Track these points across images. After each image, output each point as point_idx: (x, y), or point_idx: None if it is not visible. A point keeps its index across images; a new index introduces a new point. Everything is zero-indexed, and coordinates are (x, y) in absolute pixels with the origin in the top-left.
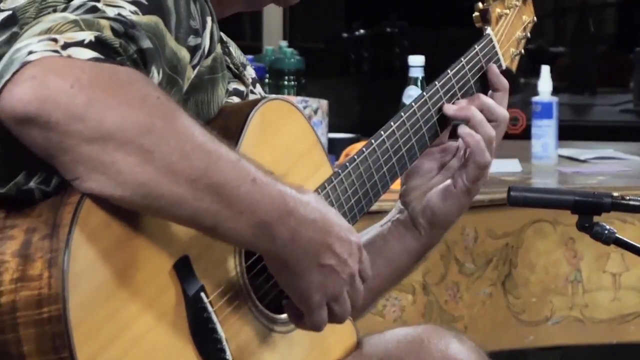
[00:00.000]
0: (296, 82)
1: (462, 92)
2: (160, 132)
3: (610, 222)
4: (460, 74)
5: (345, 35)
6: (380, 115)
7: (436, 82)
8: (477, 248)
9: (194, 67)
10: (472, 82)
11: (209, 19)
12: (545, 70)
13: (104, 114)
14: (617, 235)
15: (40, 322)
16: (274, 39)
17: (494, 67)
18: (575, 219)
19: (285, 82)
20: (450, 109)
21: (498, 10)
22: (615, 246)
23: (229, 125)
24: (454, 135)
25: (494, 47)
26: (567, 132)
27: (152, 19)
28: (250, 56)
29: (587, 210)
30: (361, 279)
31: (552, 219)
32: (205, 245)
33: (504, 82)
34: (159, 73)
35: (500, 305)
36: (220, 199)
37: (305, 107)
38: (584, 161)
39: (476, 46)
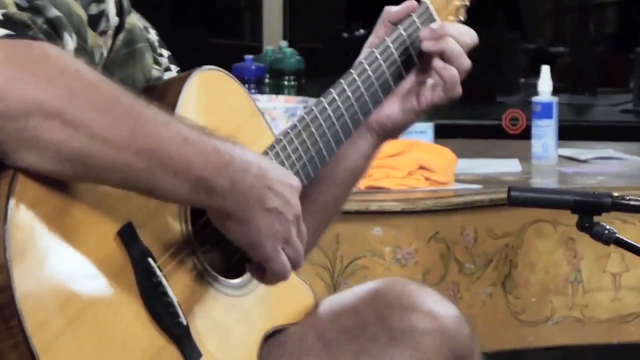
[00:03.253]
0: (296, 82)
1: (402, 58)
2: (82, 102)
3: (610, 222)
4: (400, 41)
5: (345, 35)
6: None
7: (374, 50)
8: (477, 248)
9: (100, 34)
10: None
11: None
12: (545, 70)
13: (23, 91)
14: (617, 235)
15: None
16: (274, 39)
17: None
18: (575, 219)
19: (285, 82)
20: (428, 42)
21: None
22: (615, 246)
23: (163, 99)
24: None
25: (432, 15)
26: (567, 132)
27: None
28: (250, 56)
29: (587, 210)
30: None
31: (552, 219)
32: (149, 211)
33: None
34: (72, 39)
35: (500, 305)
36: (153, 161)
37: (305, 107)
38: (584, 161)
39: (413, 15)
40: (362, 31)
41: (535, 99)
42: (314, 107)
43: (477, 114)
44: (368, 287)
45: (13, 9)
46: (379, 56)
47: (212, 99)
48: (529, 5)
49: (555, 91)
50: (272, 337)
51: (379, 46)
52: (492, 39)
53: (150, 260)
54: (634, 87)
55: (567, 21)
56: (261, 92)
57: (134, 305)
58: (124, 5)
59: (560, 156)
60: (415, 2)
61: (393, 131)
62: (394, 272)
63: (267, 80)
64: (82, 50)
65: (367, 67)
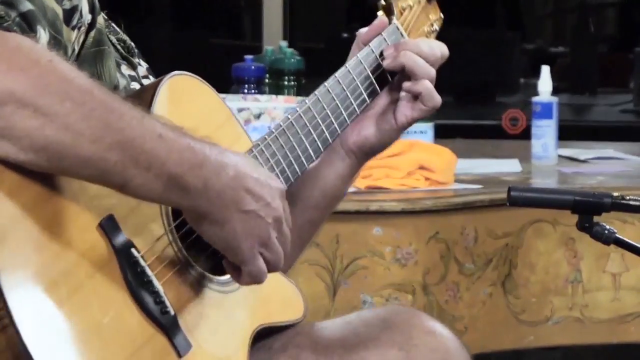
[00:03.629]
0: (296, 82)
1: (376, 74)
2: (55, 93)
3: (610, 222)
4: (371, 58)
5: (345, 35)
6: None
7: (346, 65)
8: (477, 248)
9: (73, 29)
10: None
11: None
12: (545, 70)
13: None
14: (617, 235)
15: None
16: (274, 39)
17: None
18: (575, 219)
19: (285, 82)
20: (387, 60)
21: (401, 4)
22: (615, 246)
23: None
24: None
25: (401, 34)
26: (567, 132)
27: None
28: (250, 56)
29: (587, 210)
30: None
31: (552, 219)
32: (131, 206)
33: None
34: (45, 32)
35: (500, 305)
36: (125, 156)
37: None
38: (584, 161)
39: (383, 33)
40: None
41: (535, 99)
42: (289, 116)
43: (477, 114)
44: (365, 313)
45: None
46: (351, 71)
47: (185, 104)
48: (529, 5)
49: (555, 91)
50: (260, 340)
51: (351, 63)
52: (492, 39)
53: (133, 250)
54: (634, 87)
55: (567, 21)
56: (261, 92)
57: (120, 294)
58: (95, 4)
59: (560, 156)
60: (386, 20)
61: (371, 152)
62: (394, 272)
63: (267, 80)
64: (58, 43)
65: (339, 80)
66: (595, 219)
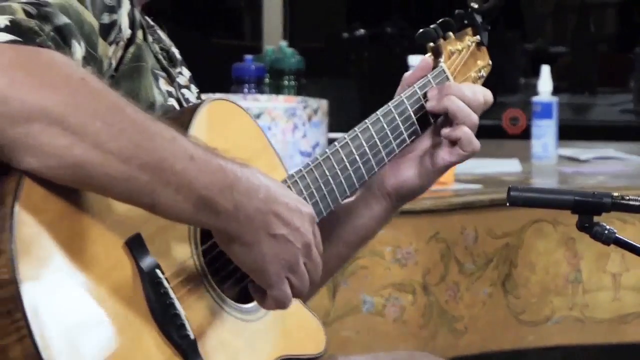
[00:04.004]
0: (296, 82)
1: (417, 116)
2: (86, 111)
3: (610, 222)
4: (414, 99)
5: (345, 35)
6: None
7: (389, 104)
8: (477, 248)
9: (110, 44)
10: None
11: (126, 1)
12: (545, 70)
13: (27, 96)
14: (617, 235)
15: None
16: (274, 39)
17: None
18: (575, 219)
19: (285, 82)
20: (431, 102)
21: (450, 47)
22: (615, 246)
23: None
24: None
25: (447, 77)
26: (567, 132)
27: None
28: (250, 56)
29: (587, 210)
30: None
31: (552, 219)
32: (159, 225)
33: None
34: (81, 47)
35: (500, 305)
36: (155, 177)
37: (305, 107)
38: (584, 161)
39: (429, 75)
40: (362, 31)
41: (535, 99)
42: (327, 150)
43: None
44: (382, 356)
45: (21, 16)
46: (393, 109)
47: (223, 130)
48: (529, 5)
49: (555, 91)
50: None
51: (394, 101)
52: (492, 39)
53: (158, 271)
54: (634, 87)
55: (567, 21)
56: (261, 92)
57: (141, 314)
58: (136, 19)
59: (560, 156)
60: (431, 62)
61: (408, 195)
62: (394, 272)
63: (267, 80)
64: (92, 58)
65: (381, 118)
66: (595, 219)
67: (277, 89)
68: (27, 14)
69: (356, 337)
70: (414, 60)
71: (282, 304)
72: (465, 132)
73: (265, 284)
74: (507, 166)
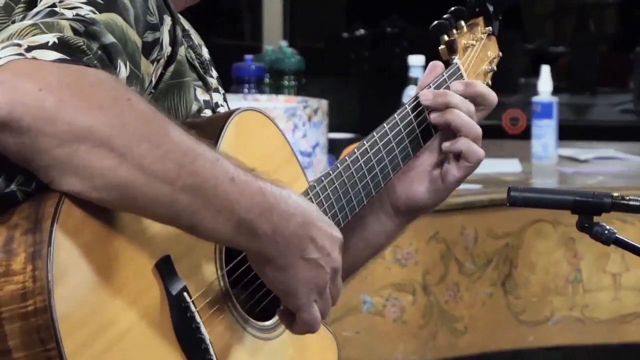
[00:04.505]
0: (296, 82)
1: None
2: (132, 134)
3: (610, 222)
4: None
5: (345, 35)
6: (380, 115)
7: (406, 105)
8: (477, 248)
9: (152, 62)
10: None
11: (167, 18)
12: (545, 70)
13: (74, 116)
14: (617, 235)
15: (25, 315)
16: (274, 39)
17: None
18: (575, 219)
19: (285, 82)
20: (434, 114)
21: (464, 41)
22: (615, 246)
23: (203, 136)
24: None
25: (462, 75)
26: (567, 132)
27: (110, 17)
28: (250, 56)
29: (587, 210)
30: None
31: (552, 219)
32: (187, 246)
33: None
34: (126, 67)
35: (500, 305)
36: (197, 199)
37: (305, 107)
38: (584, 161)
39: (444, 74)
40: (362, 31)
41: (535, 99)
42: (338, 164)
43: None
44: None
45: (69, 33)
46: (398, 121)
47: (251, 141)
48: (529, 5)
49: (555, 91)
50: None
51: (399, 111)
52: None
53: (185, 295)
54: (634, 87)
55: (567, 21)
56: (261, 92)
57: (167, 338)
58: (177, 36)
59: (560, 156)
60: (438, 65)
61: (419, 212)
62: (394, 272)
63: (267, 80)
64: (135, 77)
65: (387, 130)
66: (595, 219)
67: (277, 89)
68: (75, 31)
69: (356, 337)
70: (414, 60)
71: (311, 327)
72: (465, 144)
73: (296, 306)
74: (507, 166)
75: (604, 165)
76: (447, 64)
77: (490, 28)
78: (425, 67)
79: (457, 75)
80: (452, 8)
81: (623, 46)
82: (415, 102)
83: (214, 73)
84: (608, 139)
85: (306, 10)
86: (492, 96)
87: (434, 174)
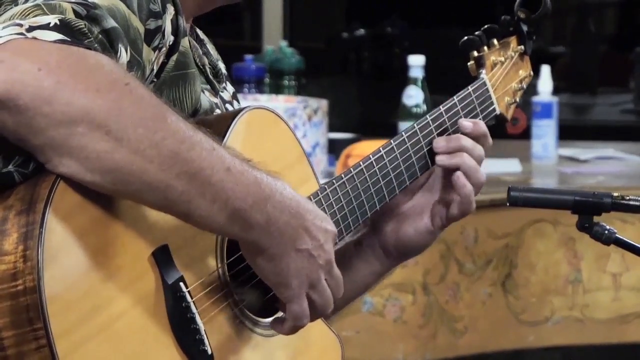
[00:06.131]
0: (296, 82)
1: (453, 129)
2: (129, 118)
3: (610, 222)
4: (453, 112)
5: (345, 35)
6: (380, 115)
7: (427, 116)
8: (477, 248)
9: (154, 50)
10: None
11: (170, 7)
12: (545, 70)
13: (72, 98)
14: (617, 235)
15: (15, 294)
16: (274, 39)
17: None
18: (575, 219)
19: (285, 82)
20: (442, 157)
21: (493, 58)
22: (615, 246)
23: (212, 132)
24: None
25: (487, 90)
26: (567, 132)
27: (113, 2)
28: (250, 56)
29: (587, 210)
30: None
31: (552, 219)
32: (186, 237)
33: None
34: (126, 51)
35: (500, 305)
36: (192, 187)
37: (305, 107)
38: (584, 161)
39: (469, 87)
40: (362, 31)
41: (535, 98)
42: (351, 169)
43: None
44: None
45: (71, 15)
46: (431, 122)
47: (259, 139)
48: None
49: (555, 91)
50: None
51: (419, 121)
52: None
53: (182, 284)
54: (634, 87)
55: (567, 21)
56: (261, 92)
57: (160, 327)
58: (180, 26)
59: (560, 156)
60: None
61: (409, 254)
62: (393, 271)
63: (267, 80)
64: (136, 63)
65: (405, 139)
66: (595, 219)
67: (277, 89)
68: (77, 14)
69: (356, 337)
70: (414, 60)
71: (299, 320)
72: (470, 191)
73: (286, 297)
74: (507, 166)
75: (604, 165)
76: (475, 80)
77: (522, 47)
78: (425, 67)
79: (482, 90)
80: (485, 26)
81: (623, 46)
82: (424, 123)
83: (230, 88)
84: (608, 139)
85: (306, 10)
86: (489, 141)
87: (424, 215)
